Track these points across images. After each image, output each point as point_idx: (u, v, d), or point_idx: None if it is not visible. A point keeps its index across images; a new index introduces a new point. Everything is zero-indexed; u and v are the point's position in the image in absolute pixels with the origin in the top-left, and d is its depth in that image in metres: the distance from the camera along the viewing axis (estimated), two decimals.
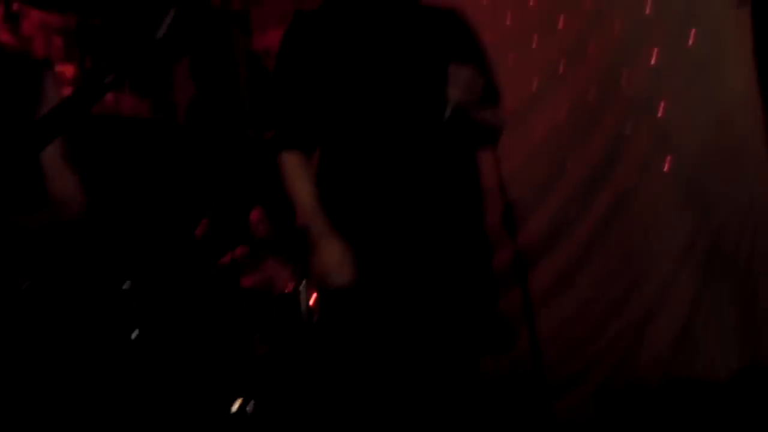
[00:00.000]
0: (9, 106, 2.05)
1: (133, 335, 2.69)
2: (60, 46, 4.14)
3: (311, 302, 2.89)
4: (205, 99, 4.62)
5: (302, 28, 1.94)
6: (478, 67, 1.87)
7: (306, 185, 1.86)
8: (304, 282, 2.88)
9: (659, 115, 2.76)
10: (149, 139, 4.20)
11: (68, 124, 1.89)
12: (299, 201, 1.84)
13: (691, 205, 2.66)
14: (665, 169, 2.77)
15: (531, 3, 3.06)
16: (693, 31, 2.65)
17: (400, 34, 1.86)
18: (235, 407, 2.72)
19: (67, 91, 4.00)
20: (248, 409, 2.74)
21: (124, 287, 2.77)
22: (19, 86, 2.09)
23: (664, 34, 2.76)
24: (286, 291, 3.12)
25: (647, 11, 2.73)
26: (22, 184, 2.03)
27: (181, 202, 4.11)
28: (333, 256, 1.74)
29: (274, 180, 4.47)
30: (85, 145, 3.98)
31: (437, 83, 1.77)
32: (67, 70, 4.15)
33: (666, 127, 2.75)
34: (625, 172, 2.83)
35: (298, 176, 1.88)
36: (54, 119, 1.78)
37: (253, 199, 3.91)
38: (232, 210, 4.00)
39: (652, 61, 2.69)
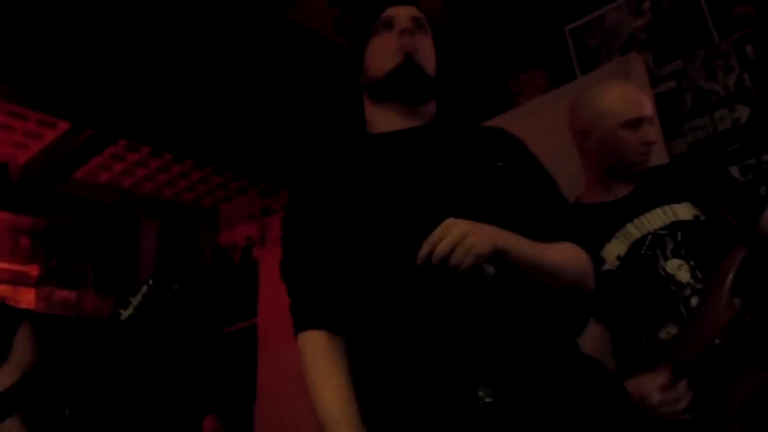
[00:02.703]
0: None
1: None
2: (26, 247, 4.22)
3: None
4: (164, 288, 4.65)
5: (303, 188, 1.47)
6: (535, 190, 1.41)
7: (332, 379, 1.27)
8: None
9: None
10: (110, 339, 4.16)
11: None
12: (322, 407, 1.25)
13: None
14: None
15: None
16: None
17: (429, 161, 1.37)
18: None
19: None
20: None
21: None
22: None
23: None
24: None
25: None
26: None
27: (141, 404, 4.01)
28: None
29: (232, 381, 4.44)
30: (50, 347, 3.97)
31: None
32: (32, 269, 4.21)
33: None
34: None
35: (321, 366, 1.29)
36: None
37: (207, 404, 3.84)
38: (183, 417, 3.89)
39: None
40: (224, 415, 3.96)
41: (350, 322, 1.33)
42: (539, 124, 3.10)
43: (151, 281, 2.19)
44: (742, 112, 2.72)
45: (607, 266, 1.75)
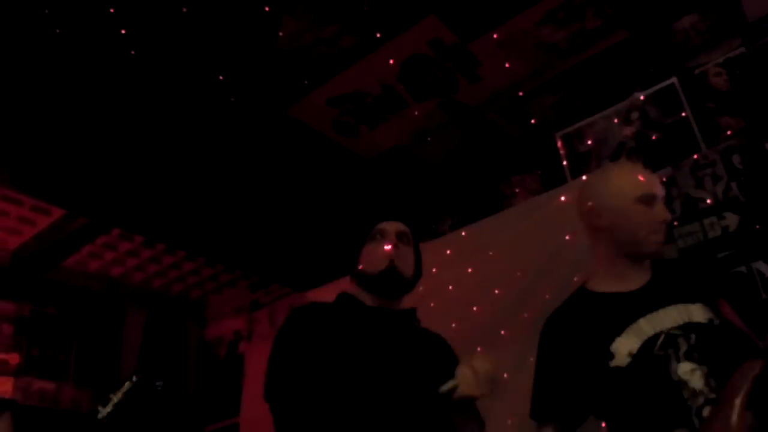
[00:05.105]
0: None
1: None
2: (8, 334, 4.13)
3: None
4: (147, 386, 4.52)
5: (297, 325, 1.79)
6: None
7: None
8: None
9: None
10: None
11: None
12: None
13: None
14: None
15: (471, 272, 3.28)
16: None
17: (393, 344, 1.76)
18: None
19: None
20: None
21: None
22: None
23: None
24: None
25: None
26: None
27: None
28: None
29: None
30: None
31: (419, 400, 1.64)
32: (12, 358, 4.09)
33: None
34: None
35: None
36: None
37: None
38: None
39: None
40: None
41: None
42: (532, 225, 3.13)
43: (134, 377, 2.12)
44: (732, 220, 2.75)
45: (616, 362, 1.65)
